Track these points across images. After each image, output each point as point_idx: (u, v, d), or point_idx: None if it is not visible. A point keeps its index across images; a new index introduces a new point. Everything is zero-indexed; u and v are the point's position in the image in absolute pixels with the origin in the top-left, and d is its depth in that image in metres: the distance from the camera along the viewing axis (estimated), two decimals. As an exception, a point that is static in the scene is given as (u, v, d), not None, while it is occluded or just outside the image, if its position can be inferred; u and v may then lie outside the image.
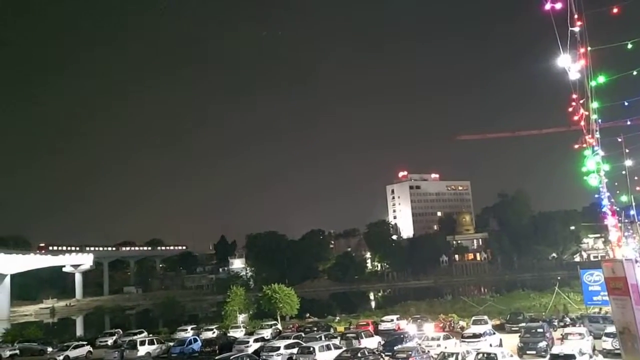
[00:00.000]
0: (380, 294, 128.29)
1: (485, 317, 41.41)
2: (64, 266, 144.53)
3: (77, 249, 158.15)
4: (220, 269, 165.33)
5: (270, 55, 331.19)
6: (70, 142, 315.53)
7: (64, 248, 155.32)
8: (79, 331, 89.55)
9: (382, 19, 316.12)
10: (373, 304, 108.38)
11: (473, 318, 41.70)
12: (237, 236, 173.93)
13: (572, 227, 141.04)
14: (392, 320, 46.42)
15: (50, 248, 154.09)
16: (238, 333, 47.15)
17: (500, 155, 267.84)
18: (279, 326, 50.49)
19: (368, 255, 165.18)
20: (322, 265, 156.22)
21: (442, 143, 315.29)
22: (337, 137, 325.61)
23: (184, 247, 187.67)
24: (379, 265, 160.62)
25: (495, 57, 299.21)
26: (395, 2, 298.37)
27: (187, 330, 50.19)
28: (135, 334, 49.31)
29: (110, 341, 48.99)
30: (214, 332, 48.29)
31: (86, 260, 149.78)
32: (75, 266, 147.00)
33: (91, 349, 44.93)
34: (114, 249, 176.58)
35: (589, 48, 13.10)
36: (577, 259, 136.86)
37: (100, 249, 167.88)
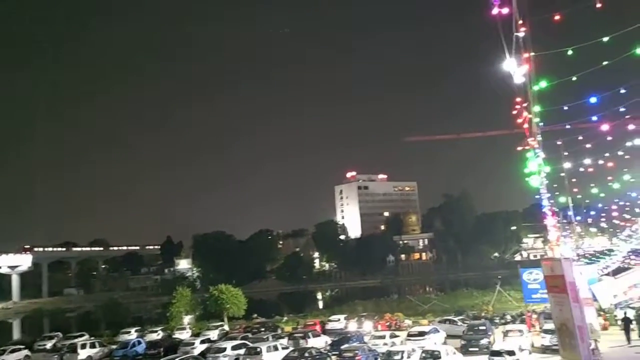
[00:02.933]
0: (328, 294, 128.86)
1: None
2: (0, 267, 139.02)
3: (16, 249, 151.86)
4: (166, 270, 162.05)
5: (231, 57, 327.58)
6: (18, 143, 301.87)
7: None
8: (16, 335, 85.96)
9: (330, 19, 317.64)
10: (321, 303, 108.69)
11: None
12: (184, 237, 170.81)
13: (514, 227, 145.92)
14: (339, 320, 46.68)
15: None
16: (184, 335, 46.33)
17: (446, 157, 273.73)
18: (226, 327, 49.93)
19: (316, 255, 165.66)
20: (270, 265, 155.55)
21: (390, 144, 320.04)
22: (287, 137, 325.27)
23: (129, 248, 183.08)
24: (327, 265, 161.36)
25: (444, 59, 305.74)
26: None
27: (130, 332, 48.83)
28: (75, 337, 47.61)
29: (49, 345, 47.08)
30: (159, 334, 47.28)
31: (24, 261, 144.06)
32: (12, 267, 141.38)
33: (29, 353, 43.15)
34: (54, 249, 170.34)
35: (532, 53, 13.50)
36: (518, 258, 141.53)
37: (40, 249, 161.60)
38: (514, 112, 15.83)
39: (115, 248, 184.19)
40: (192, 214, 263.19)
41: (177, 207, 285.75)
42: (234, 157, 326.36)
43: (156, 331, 48.60)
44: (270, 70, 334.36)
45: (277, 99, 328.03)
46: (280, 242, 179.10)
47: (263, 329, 44.88)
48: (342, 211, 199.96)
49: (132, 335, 47.03)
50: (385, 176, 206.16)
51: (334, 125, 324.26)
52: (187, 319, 57.71)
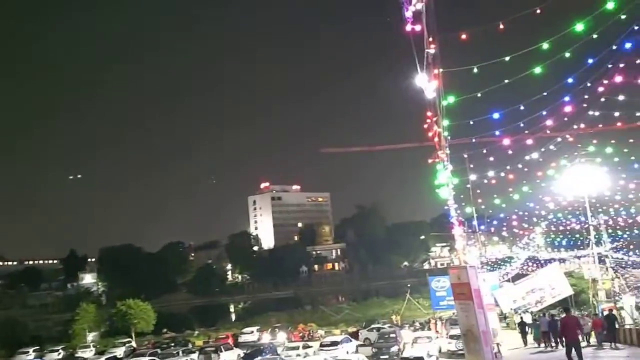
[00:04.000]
0: (241, 306, 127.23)
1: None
2: None
3: None
4: (69, 285, 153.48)
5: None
6: None
7: None
8: None
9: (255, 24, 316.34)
10: (233, 316, 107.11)
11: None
12: (90, 250, 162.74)
13: (422, 237, 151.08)
14: (252, 332, 46.22)
15: None
16: (87, 353, 44.08)
17: (360, 168, 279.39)
18: (133, 343, 48.02)
19: (229, 267, 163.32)
20: (181, 278, 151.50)
21: (304, 155, 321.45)
22: (200, 148, 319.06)
23: (27, 262, 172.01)
24: (240, 277, 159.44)
25: (361, 73, 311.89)
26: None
27: (28, 352, 45.82)
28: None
29: None
30: (60, 353, 44.73)
31: None
32: None
33: None
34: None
35: (440, 70, 14.05)
36: (426, 266, 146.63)
37: None
38: (425, 125, 16.43)
39: (12, 263, 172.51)
40: (98, 226, 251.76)
41: (81, 218, 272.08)
42: (145, 166, 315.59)
43: (57, 350, 45.92)
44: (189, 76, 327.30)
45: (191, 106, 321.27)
46: (192, 255, 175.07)
47: (173, 344, 43.60)
48: (256, 222, 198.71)
49: (30, 355, 44.21)
50: (299, 187, 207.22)
51: (247, 136, 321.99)
52: (91, 337, 54.96)
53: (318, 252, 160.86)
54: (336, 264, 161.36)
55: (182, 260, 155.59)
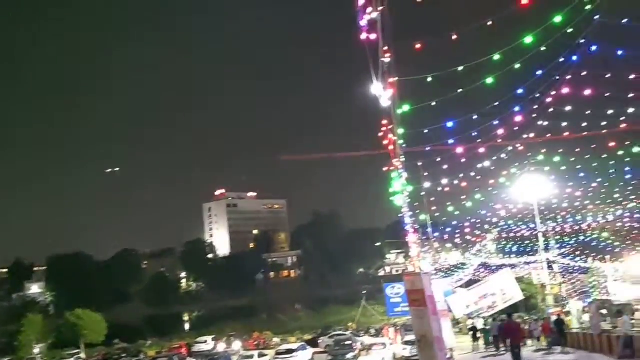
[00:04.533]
0: (195, 315, 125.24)
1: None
2: None
3: None
4: (14, 295, 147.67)
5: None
6: None
7: None
8: None
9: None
10: (187, 325, 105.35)
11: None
12: (37, 258, 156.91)
13: (378, 244, 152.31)
14: (206, 342, 45.59)
15: None
16: (34, 366, 42.52)
17: (317, 175, 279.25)
18: (83, 355, 46.66)
19: (184, 275, 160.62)
20: (134, 287, 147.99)
21: (261, 162, 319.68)
22: (155, 152, 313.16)
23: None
24: (195, 285, 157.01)
25: (319, 80, 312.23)
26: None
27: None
28: None
29: None
30: (4, 367, 43.01)
31: None
32: None
33: None
34: None
35: (396, 78, 14.22)
36: (382, 273, 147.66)
37: None
38: (380, 134, 16.58)
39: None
40: (46, 234, 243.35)
41: (28, 225, 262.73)
42: (98, 172, 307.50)
43: (1, 364, 44.16)
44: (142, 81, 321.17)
45: (145, 110, 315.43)
46: (145, 263, 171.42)
47: (124, 355, 42.59)
48: (211, 229, 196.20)
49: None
50: (255, 194, 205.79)
51: (203, 142, 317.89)
52: (38, 349, 53.03)
53: (274, 259, 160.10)
54: (292, 272, 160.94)
55: (134, 268, 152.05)
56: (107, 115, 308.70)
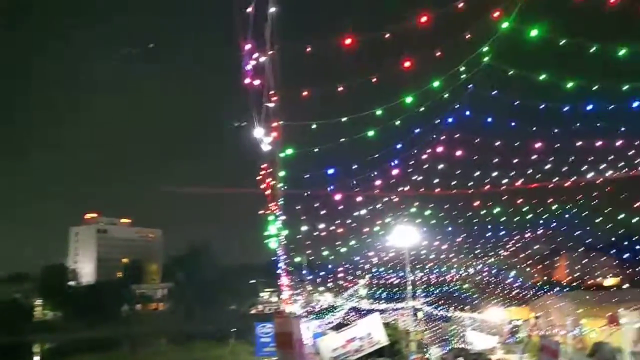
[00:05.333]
0: (47, 347, 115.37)
1: None
2: None
3: None
4: None
5: None
6: None
7: None
8: None
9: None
10: (37, 358, 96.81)
11: None
12: None
13: (252, 281, 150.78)
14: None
15: None
16: None
17: (195, 208, 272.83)
18: None
19: (40, 302, 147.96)
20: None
21: (138, 190, 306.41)
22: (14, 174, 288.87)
23: None
24: (51, 313, 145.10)
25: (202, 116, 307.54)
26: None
27: None
28: None
29: None
30: None
31: None
32: None
33: None
34: None
35: (280, 122, 14.29)
36: (254, 311, 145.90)
37: None
38: (259, 177, 16.52)
39: None
40: None
41: None
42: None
43: None
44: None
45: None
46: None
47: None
48: (77, 255, 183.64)
49: None
50: (129, 220, 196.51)
51: (73, 165, 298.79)
52: None
53: (143, 290, 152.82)
54: (161, 304, 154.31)
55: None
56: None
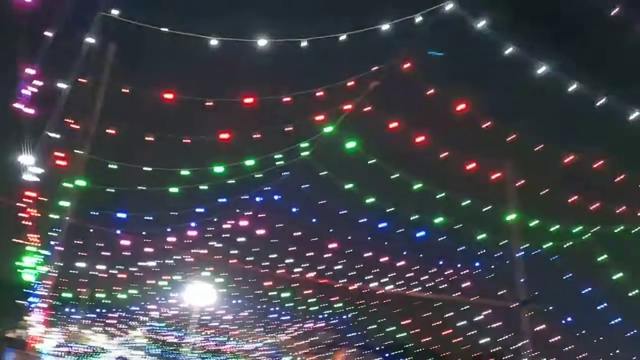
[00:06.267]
0: None
1: None
2: None
3: None
4: None
5: None
6: None
7: None
8: None
9: None
10: None
11: None
12: None
13: (21, 302, 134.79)
14: None
15: None
16: None
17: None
18: None
19: None
20: None
21: None
22: None
23: None
24: None
25: None
26: None
27: None
28: None
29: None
30: None
31: None
32: None
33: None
34: None
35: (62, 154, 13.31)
36: (11, 334, 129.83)
37: None
38: (23, 205, 14.89)
39: None
40: None
41: None
42: None
43: None
44: None
45: None
46: None
47: None
48: None
49: None
50: None
51: None
52: None
53: None
54: None
55: None
56: None
